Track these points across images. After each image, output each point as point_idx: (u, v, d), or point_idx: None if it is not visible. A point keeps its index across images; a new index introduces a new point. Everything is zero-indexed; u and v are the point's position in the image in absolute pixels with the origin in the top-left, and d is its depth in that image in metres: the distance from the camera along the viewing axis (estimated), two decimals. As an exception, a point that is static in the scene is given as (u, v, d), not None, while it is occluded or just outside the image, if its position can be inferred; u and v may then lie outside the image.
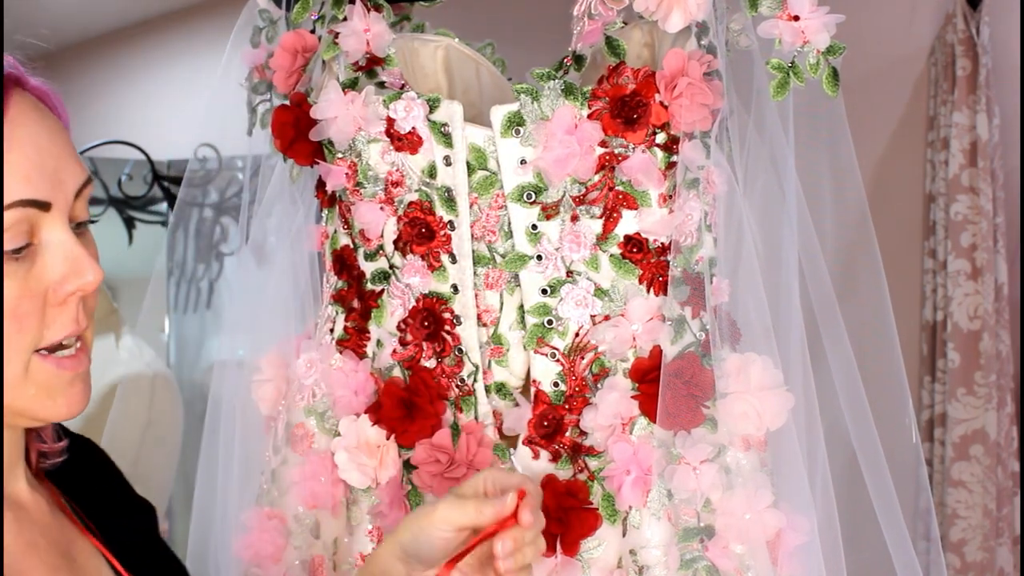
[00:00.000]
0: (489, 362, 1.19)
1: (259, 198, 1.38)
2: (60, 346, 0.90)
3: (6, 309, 0.87)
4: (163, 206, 3.70)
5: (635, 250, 1.15)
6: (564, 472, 1.16)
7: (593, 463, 1.15)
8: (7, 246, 0.86)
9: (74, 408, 0.92)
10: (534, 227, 1.16)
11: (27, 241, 0.87)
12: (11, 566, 0.91)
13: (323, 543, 1.24)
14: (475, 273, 1.18)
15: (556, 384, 1.17)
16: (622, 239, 1.15)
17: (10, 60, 0.92)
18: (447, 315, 1.19)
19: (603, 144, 1.13)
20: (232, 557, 1.27)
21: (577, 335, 1.16)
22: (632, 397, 1.14)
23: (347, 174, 1.22)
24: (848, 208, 1.21)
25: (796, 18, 1.12)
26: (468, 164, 1.17)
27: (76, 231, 0.91)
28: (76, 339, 0.91)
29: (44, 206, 0.87)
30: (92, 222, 0.94)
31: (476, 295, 1.19)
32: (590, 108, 1.13)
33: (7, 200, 0.85)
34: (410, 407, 1.19)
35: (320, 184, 1.29)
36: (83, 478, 1.05)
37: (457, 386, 1.20)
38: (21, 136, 0.87)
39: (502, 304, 1.18)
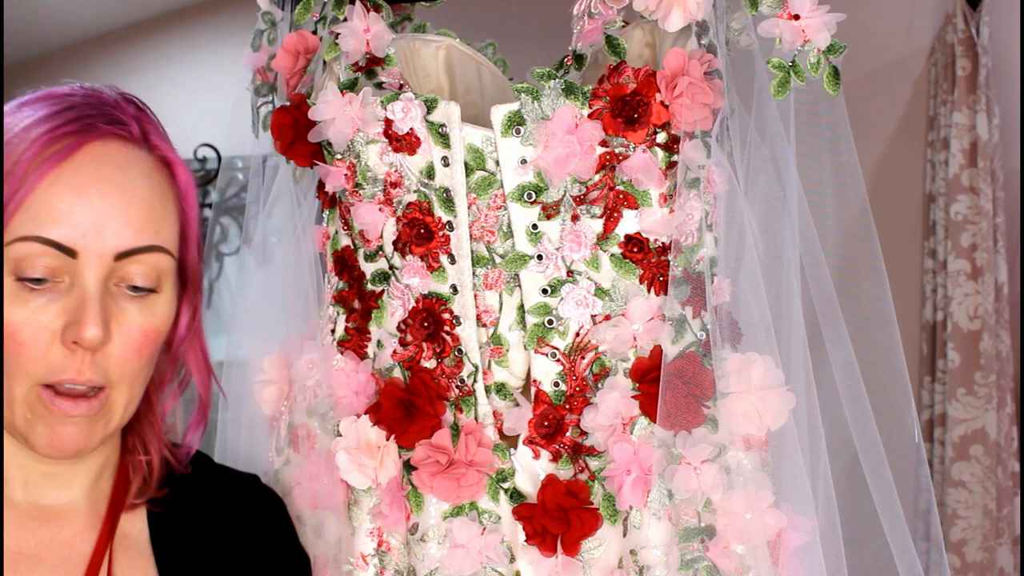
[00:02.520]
0: (489, 362, 1.19)
1: (260, 198, 1.38)
2: (66, 389, 0.91)
3: (8, 331, 0.90)
4: (163, 206, 3.68)
5: (636, 250, 1.15)
6: (565, 472, 1.16)
7: (594, 463, 1.15)
8: (20, 272, 0.90)
9: (56, 448, 0.93)
10: (534, 227, 1.16)
11: (44, 276, 0.90)
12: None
13: (326, 542, 1.24)
14: (474, 274, 1.18)
15: (556, 384, 1.17)
16: (623, 239, 1.15)
17: (155, 124, 0.99)
18: (447, 316, 1.19)
19: (604, 144, 1.13)
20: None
21: (577, 335, 1.16)
22: (633, 397, 1.14)
23: (346, 175, 1.22)
24: (849, 207, 1.21)
25: (796, 17, 1.13)
26: (466, 165, 1.16)
27: (131, 293, 0.94)
28: (94, 390, 0.92)
29: (68, 252, 0.90)
30: (150, 291, 0.95)
31: (475, 296, 1.18)
32: (591, 107, 1.13)
33: (30, 232, 0.89)
34: (409, 408, 1.19)
35: (321, 185, 1.29)
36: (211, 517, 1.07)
37: (457, 386, 1.20)
38: (73, 184, 0.91)
39: (501, 304, 1.18)
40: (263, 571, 1.09)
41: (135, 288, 0.94)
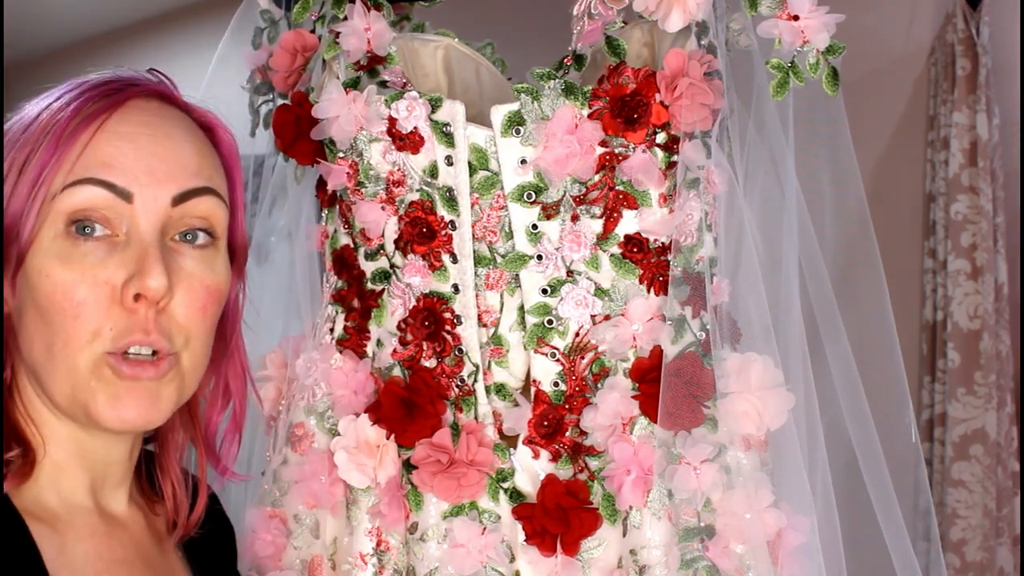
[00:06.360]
0: (489, 363, 1.19)
1: (260, 198, 1.38)
2: (133, 356, 0.85)
3: (60, 291, 0.84)
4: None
5: (635, 250, 1.15)
6: (564, 472, 1.16)
7: (593, 463, 1.15)
8: (74, 217, 0.85)
9: (127, 416, 0.86)
10: (534, 227, 1.16)
11: (90, 222, 0.85)
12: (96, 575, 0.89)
13: (323, 543, 1.24)
14: (476, 273, 1.18)
15: (556, 384, 1.17)
16: (622, 239, 1.15)
17: (163, 80, 0.95)
18: (448, 315, 1.19)
19: (603, 144, 1.13)
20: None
21: (577, 335, 1.16)
22: (632, 397, 1.14)
23: (348, 173, 1.22)
24: (848, 207, 1.21)
25: (796, 18, 1.13)
26: (470, 164, 1.17)
27: (183, 243, 0.89)
28: (155, 352, 0.86)
29: (123, 194, 0.85)
30: (208, 243, 0.90)
31: (477, 295, 1.19)
32: (590, 108, 1.13)
33: (80, 175, 0.85)
34: (410, 407, 1.19)
35: (320, 183, 1.29)
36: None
37: (457, 386, 1.20)
38: (120, 131, 0.87)
39: (502, 305, 1.18)
40: None
41: (193, 235, 0.89)
